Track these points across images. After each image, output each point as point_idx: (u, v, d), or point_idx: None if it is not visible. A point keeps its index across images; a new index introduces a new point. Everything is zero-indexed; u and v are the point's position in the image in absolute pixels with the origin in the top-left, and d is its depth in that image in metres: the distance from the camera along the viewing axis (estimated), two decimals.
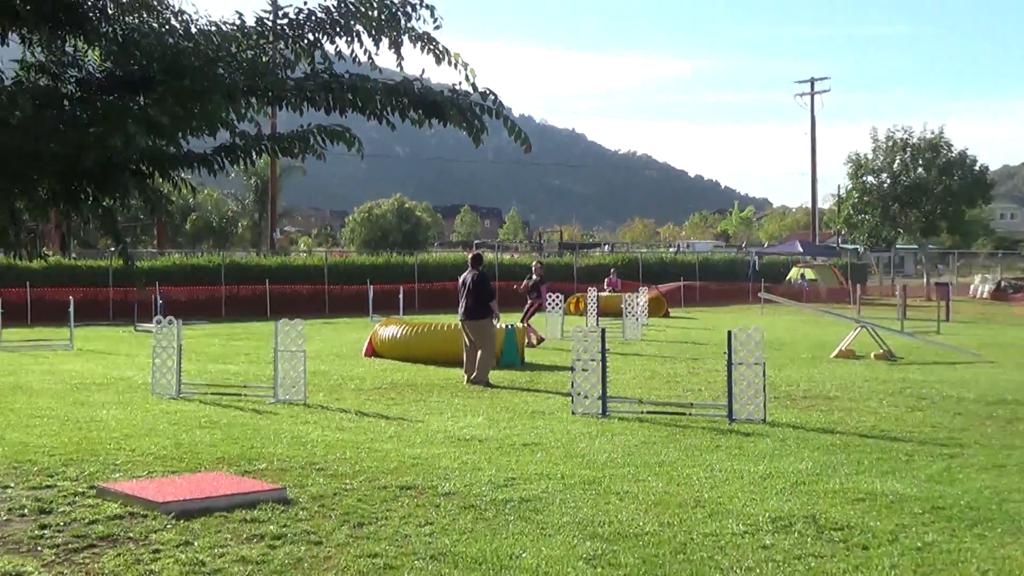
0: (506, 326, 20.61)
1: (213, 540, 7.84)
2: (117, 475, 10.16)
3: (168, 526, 8.21)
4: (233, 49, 7.99)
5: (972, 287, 61.71)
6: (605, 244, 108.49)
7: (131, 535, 7.99)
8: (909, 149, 62.24)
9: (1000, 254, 79.62)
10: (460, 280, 19.16)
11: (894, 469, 10.48)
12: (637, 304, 30.54)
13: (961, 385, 17.60)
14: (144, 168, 7.88)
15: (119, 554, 7.51)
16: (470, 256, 19.87)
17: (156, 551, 7.56)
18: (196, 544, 7.73)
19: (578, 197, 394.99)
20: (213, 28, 8.07)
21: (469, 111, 7.89)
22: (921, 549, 7.63)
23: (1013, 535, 8.02)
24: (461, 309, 18.77)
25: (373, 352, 23.14)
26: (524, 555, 7.44)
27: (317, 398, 15.99)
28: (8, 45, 7.89)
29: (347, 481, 9.86)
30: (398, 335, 22.56)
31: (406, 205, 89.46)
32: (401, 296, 41.17)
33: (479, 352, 18.25)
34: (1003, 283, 60.07)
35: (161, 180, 8.18)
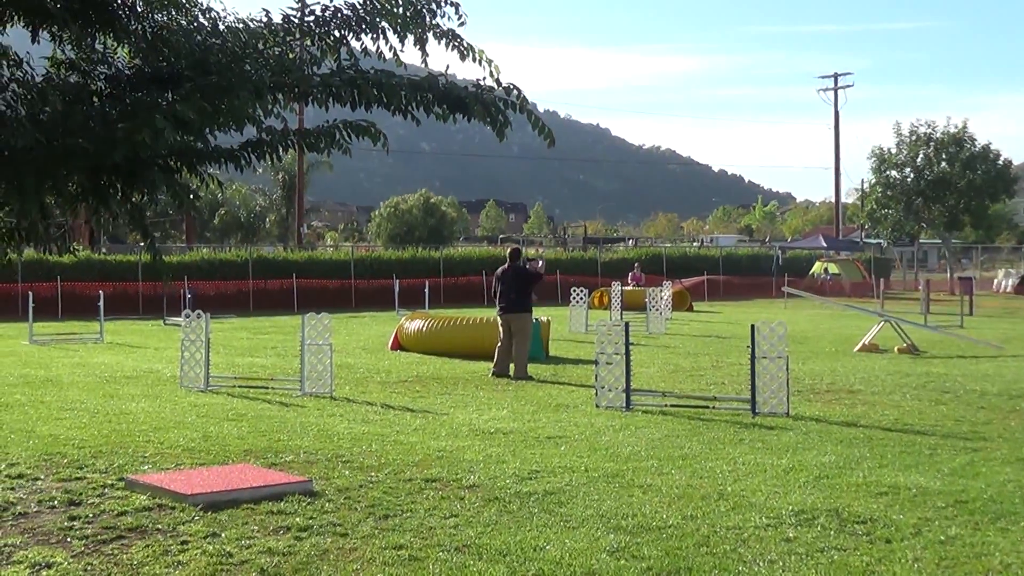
0: (536, 320, 20.63)
1: (240, 532, 7.86)
2: (146, 467, 10.21)
3: (196, 518, 8.24)
4: (260, 46, 8.00)
5: (996, 281, 61.32)
6: (629, 239, 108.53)
7: (159, 527, 8.02)
8: (932, 143, 61.89)
9: None
10: (496, 274, 19.20)
11: (917, 463, 10.42)
12: (661, 298, 30.50)
13: (984, 379, 17.50)
14: (172, 163, 7.90)
15: (147, 545, 7.54)
16: (509, 251, 20.00)
17: (184, 542, 7.59)
18: (223, 536, 7.75)
19: (602, 192, 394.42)
20: (240, 25, 8.08)
21: (493, 106, 7.87)
22: (944, 543, 7.59)
23: None
24: (502, 303, 18.76)
25: (399, 346, 23.18)
26: (548, 547, 7.44)
27: (343, 391, 16.03)
28: (39, 43, 7.92)
29: (373, 473, 9.88)
30: (424, 329, 22.59)
31: (432, 200, 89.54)
32: (427, 290, 41.22)
33: (514, 346, 18.26)
34: None
35: (189, 175, 8.20)
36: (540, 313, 25.52)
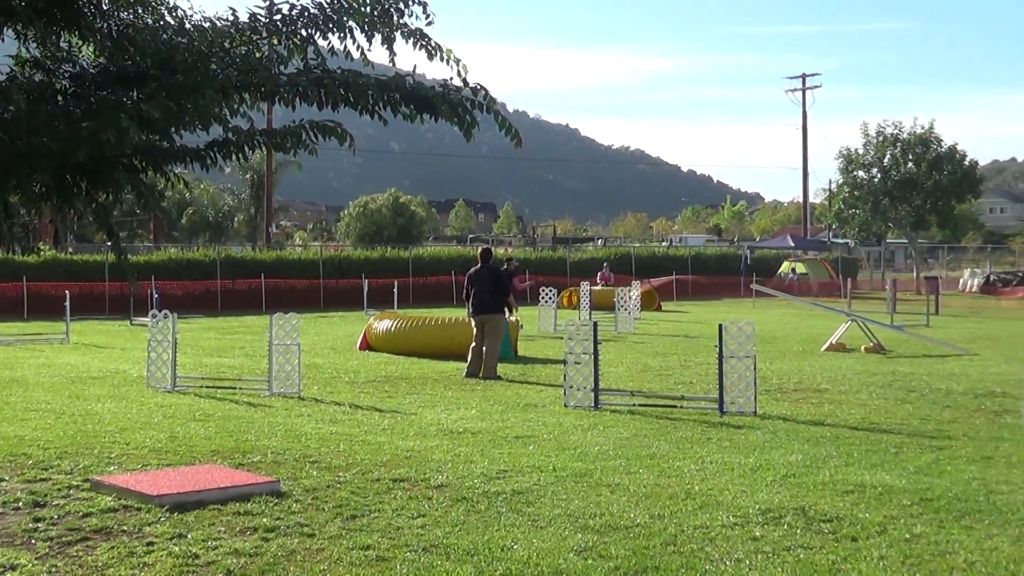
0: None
1: (206, 533, 7.82)
2: (111, 468, 10.15)
3: (162, 519, 8.19)
4: (226, 45, 7.96)
5: (961, 281, 61.79)
6: (598, 238, 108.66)
7: (125, 528, 7.97)
8: (899, 144, 62.35)
9: (989, 248, 79.65)
10: (469, 275, 19.13)
11: (883, 461, 10.48)
12: (630, 298, 30.56)
13: (950, 378, 17.62)
14: (137, 163, 7.86)
15: (113, 547, 7.49)
16: (480, 251, 19.99)
17: (150, 544, 7.55)
18: (189, 537, 7.72)
19: (571, 192, 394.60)
20: (207, 24, 8.05)
21: (460, 106, 7.86)
22: (909, 540, 7.63)
23: (1000, 527, 8.02)
24: (474, 304, 18.73)
25: (367, 346, 23.14)
26: (516, 547, 7.43)
27: (311, 391, 15.99)
28: (3, 40, 7.86)
29: (340, 474, 9.85)
30: (392, 329, 22.56)
31: (401, 200, 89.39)
32: (396, 290, 41.17)
33: (485, 347, 18.27)
34: (992, 277, 60.08)
35: (154, 175, 8.16)
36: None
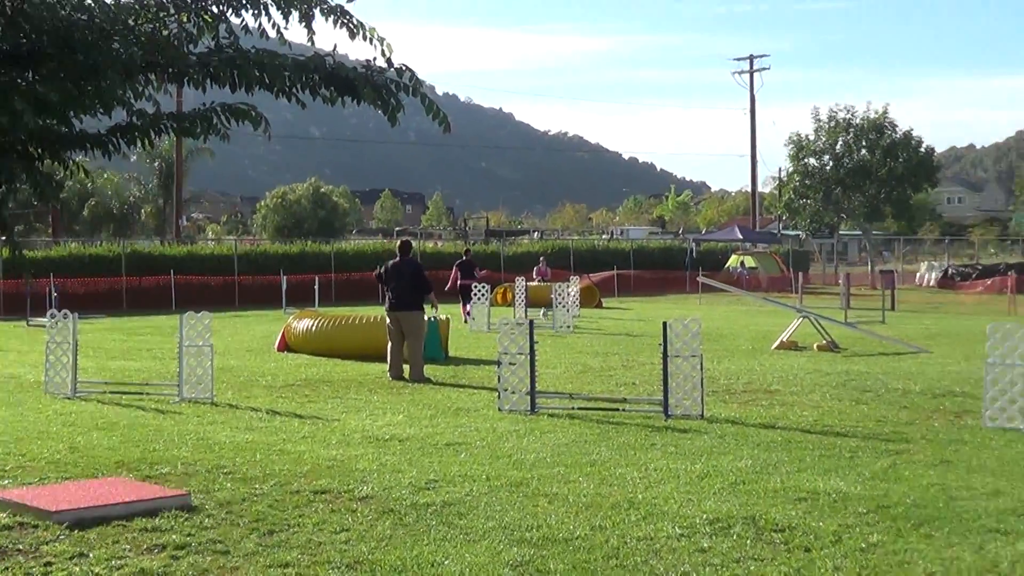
0: (430, 318, 20.57)
1: (110, 551, 7.73)
2: (6, 482, 10.00)
3: (61, 537, 8.08)
4: (131, 22, 7.85)
5: (919, 275, 62.56)
6: (534, 231, 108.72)
7: (20, 547, 7.85)
8: (852, 130, 62.98)
9: (947, 240, 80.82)
10: (385, 268, 19.03)
11: (837, 466, 10.58)
12: (568, 294, 30.63)
13: (907, 377, 17.84)
14: (32, 150, 7.73)
15: (7, 568, 7.38)
16: (398, 243, 19.96)
17: (48, 564, 7.44)
18: (91, 556, 7.62)
19: (506, 181, 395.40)
20: None
21: (384, 89, 7.83)
22: (865, 550, 7.71)
23: (960, 535, 8.12)
24: (391, 299, 18.68)
25: (286, 347, 23.03)
26: (446, 562, 7.42)
27: (225, 396, 15.87)
28: None
29: (257, 485, 9.78)
30: (313, 328, 22.46)
31: (322, 190, 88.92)
32: (316, 287, 41.04)
33: (406, 346, 18.23)
34: (951, 270, 60.91)
35: (52, 163, 8.04)
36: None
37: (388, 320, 18.72)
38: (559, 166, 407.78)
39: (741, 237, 69.58)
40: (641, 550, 7.71)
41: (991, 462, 10.86)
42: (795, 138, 64.33)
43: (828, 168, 63.45)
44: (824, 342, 22.96)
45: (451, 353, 21.91)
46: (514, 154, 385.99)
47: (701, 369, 13.76)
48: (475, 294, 29.72)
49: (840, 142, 63.09)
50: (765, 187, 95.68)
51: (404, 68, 7.89)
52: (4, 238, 8.58)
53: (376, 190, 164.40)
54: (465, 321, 30.57)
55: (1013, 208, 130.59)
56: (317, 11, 7.95)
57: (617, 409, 14.26)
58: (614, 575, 7.16)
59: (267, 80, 7.75)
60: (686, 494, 9.38)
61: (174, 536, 8.09)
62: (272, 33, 8.06)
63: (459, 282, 32.48)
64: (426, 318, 19.52)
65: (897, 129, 62.66)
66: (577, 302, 33.22)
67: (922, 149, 62.62)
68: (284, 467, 10.62)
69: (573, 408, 14.35)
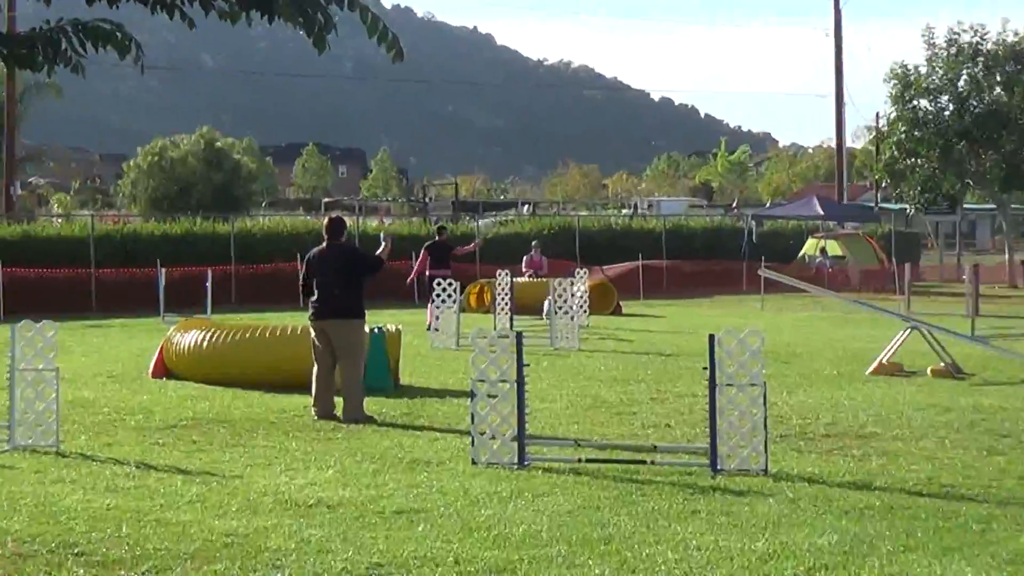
0: (372, 330, 20.53)
1: None
2: None
3: None
4: None
5: None
6: (523, 203, 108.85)
7: None
8: (982, 59, 62.84)
9: None
10: (310, 259, 18.92)
11: (962, 544, 10.58)
12: (573, 295, 30.58)
13: None
14: None
15: None
16: (327, 222, 19.59)
17: None
18: None
19: (483, 132, 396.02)
20: None
21: (307, 0, 7.81)
22: None
23: None
24: (316, 304, 18.53)
25: (166, 371, 22.96)
26: None
27: (77, 443, 15.84)
28: None
29: (122, 573, 9.76)
30: (205, 344, 22.38)
31: (218, 144, 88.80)
32: (209, 284, 40.68)
33: (339, 371, 18.15)
34: None
35: None
36: (385, 318, 25.46)
37: (313, 333, 18.64)
38: (559, 110, 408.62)
39: (822, 213, 69.40)
40: None
41: None
42: (899, 71, 64.15)
43: (947, 114, 63.30)
44: (942, 365, 22.94)
45: (404, 380, 21.87)
46: (494, 93, 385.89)
47: (764, 404, 13.73)
48: (438, 294, 29.60)
49: (964, 77, 62.97)
50: (856, 141, 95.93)
51: None
52: None
53: (296, 145, 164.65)
54: (429, 329, 30.56)
55: None
56: None
57: (643, 462, 14.22)
58: None
59: None
60: None
61: None
62: None
63: (428, 272, 32.38)
64: (368, 329, 19.48)
65: None
66: (586, 307, 33.19)
67: None
68: (163, 545, 10.59)
69: (580, 460, 14.30)
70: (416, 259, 36.08)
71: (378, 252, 19.20)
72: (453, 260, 33.69)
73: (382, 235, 20.69)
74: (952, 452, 15.04)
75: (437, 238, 34.64)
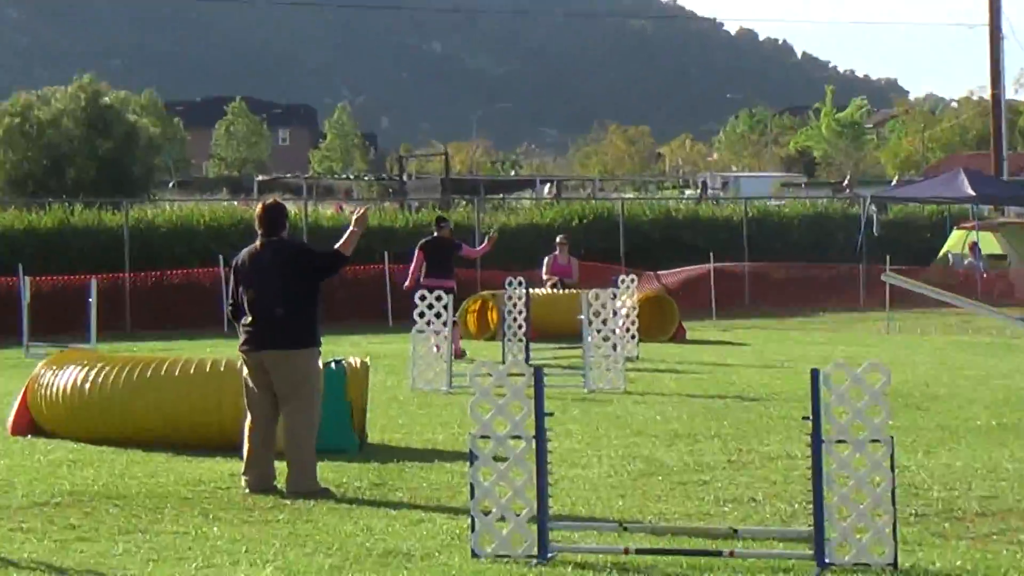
0: (329, 364, 20.50)
1: None
2: None
3: None
4: None
5: None
6: (543, 181, 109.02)
7: None
8: None
9: None
10: (239, 263, 18.76)
11: None
12: (615, 314, 30.59)
13: None
14: None
15: None
16: (260, 210, 19.32)
17: None
18: None
19: (482, 80, 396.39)
20: None
21: None
22: None
23: None
24: (251, 327, 18.38)
25: (32, 425, 22.99)
26: None
27: None
28: None
29: None
30: (87, 387, 22.40)
31: (105, 99, 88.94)
32: (93, 299, 40.72)
33: (283, 422, 18.12)
34: None
35: None
36: (346, 348, 25.55)
37: (245, 370, 18.56)
38: (591, 51, 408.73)
39: (972, 193, 69.28)
40: None
41: None
42: None
43: None
44: None
45: (374, 438, 21.88)
46: (501, 24, 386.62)
47: (892, 469, 13.68)
48: (422, 312, 29.53)
49: None
50: (1020, 91, 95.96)
51: None
52: None
53: (217, 100, 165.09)
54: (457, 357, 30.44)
55: None
56: None
57: (719, 553, 14.19)
58: None
59: None
60: None
61: None
62: None
63: (422, 281, 32.40)
64: (323, 364, 19.42)
65: None
66: (635, 330, 33.21)
67: None
68: None
69: (627, 551, 14.27)
70: (390, 261, 36.11)
71: (343, 239, 18.65)
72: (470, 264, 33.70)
73: (354, 211, 20.41)
74: None
75: (436, 233, 34.57)
